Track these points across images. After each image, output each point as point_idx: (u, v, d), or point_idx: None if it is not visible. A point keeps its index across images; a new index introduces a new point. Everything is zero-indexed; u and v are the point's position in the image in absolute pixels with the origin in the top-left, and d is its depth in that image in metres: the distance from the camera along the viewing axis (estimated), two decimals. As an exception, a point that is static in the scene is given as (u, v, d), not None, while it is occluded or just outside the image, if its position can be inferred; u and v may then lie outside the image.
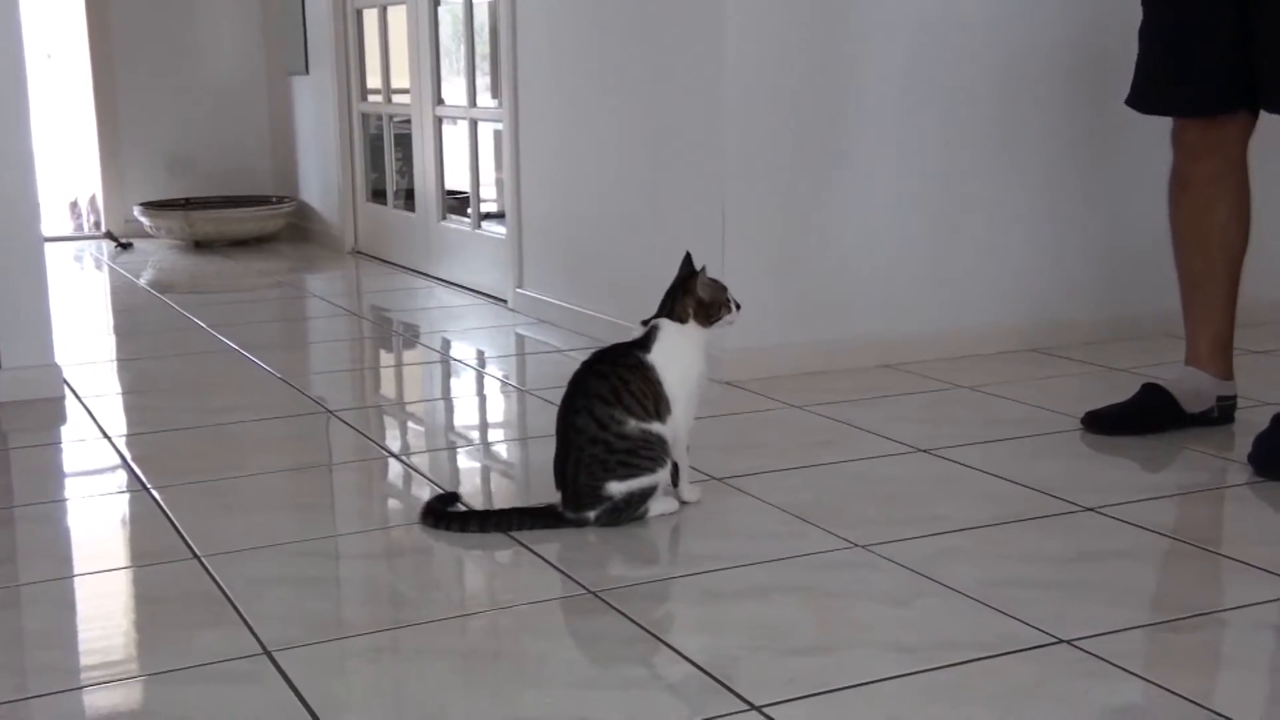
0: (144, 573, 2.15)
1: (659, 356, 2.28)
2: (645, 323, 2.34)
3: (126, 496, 2.50)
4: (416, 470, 2.69)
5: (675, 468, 2.34)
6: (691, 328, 2.32)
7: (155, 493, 2.50)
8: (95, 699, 1.69)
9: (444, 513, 2.27)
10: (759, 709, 1.61)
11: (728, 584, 2.02)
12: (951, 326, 3.54)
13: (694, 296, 2.32)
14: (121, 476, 2.62)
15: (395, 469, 2.71)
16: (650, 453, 2.24)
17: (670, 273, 2.37)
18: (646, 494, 2.25)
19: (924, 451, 2.68)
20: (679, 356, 2.30)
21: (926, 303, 3.52)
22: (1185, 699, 1.62)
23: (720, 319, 2.34)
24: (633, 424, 2.22)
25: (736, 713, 1.61)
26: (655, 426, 2.25)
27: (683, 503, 2.36)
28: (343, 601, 2.02)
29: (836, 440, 2.79)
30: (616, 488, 2.22)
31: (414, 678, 1.74)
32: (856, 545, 2.16)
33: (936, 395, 3.17)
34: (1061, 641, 1.79)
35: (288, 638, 1.83)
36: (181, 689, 1.70)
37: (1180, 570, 2.11)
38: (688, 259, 2.37)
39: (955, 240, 3.53)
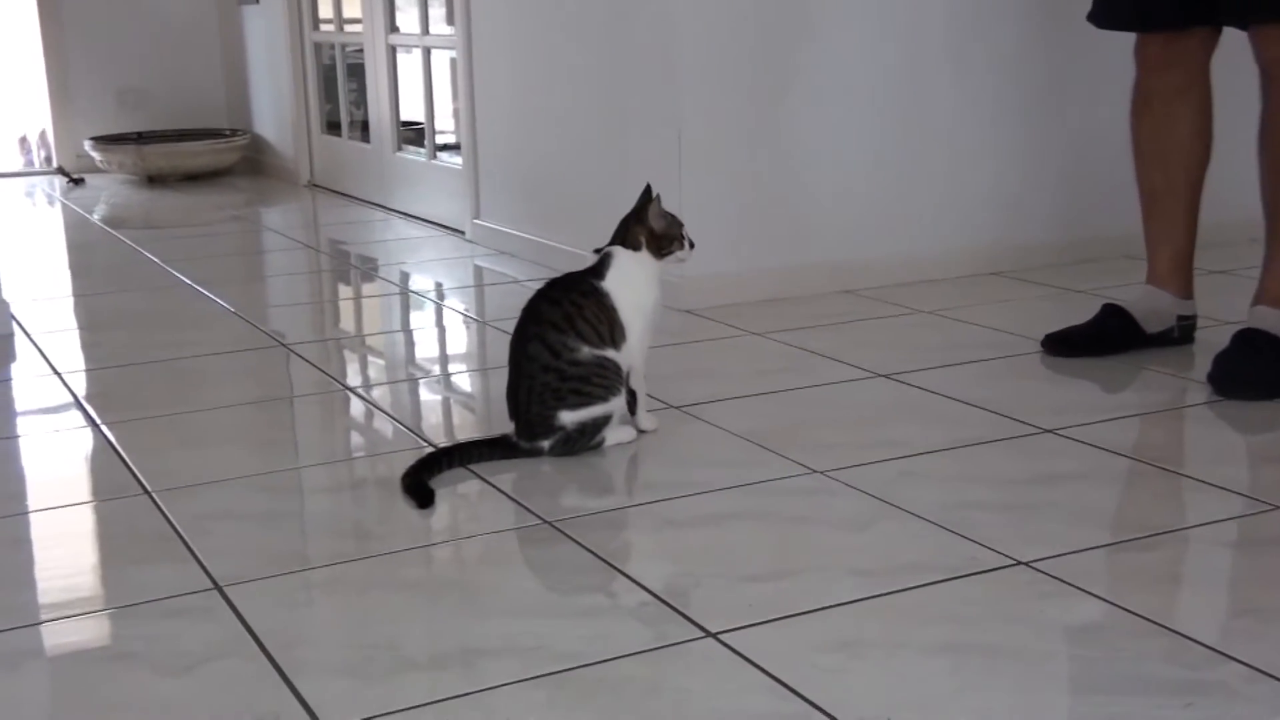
0: (92, 509, 2.12)
1: (613, 283, 2.25)
2: (598, 251, 2.31)
3: (76, 433, 2.46)
4: (374, 404, 2.65)
5: (633, 396, 2.32)
6: (644, 255, 2.29)
7: (105, 429, 2.46)
8: (42, 636, 1.66)
9: (423, 479, 2.12)
10: (715, 635, 1.60)
11: (684, 512, 2.00)
12: (912, 251, 3.52)
13: (646, 226, 2.29)
14: (71, 413, 2.58)
15: (353, 403, 2.68)
16: (604, 380, 2.21)
17: (627, 200, 2.34)
18: (600, 423, 2.23)
19: (884, 376, 2.67)
20: (633, 282, 2.27)
21: (887, 227, 3.49)
22: (1143, 617, 1.62)
23: (671, 253, 2.31)
24: (586, 350, 2.19)
25: (692, 640, 1.59)
26: (610, 353, 2.22)
27: (640, 431, 2.33)
28: (296, 535, 1.99)
29: (796, 367, 2.77)
30: (569, 417, 2.20)
31: (368, 610, 1.71)
32: (815, 471, 2.15)
33: (897, 320, 3.15)
34: (1020, 563, 1.78)
35: (239, 572, 1.81)
36: (129, 624, 1.68)
37: (1139, 490, 2.11)
38: (647, 189, 2.34)
39: (916, 163, 3.50)
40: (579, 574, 1.80)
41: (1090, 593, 1.69)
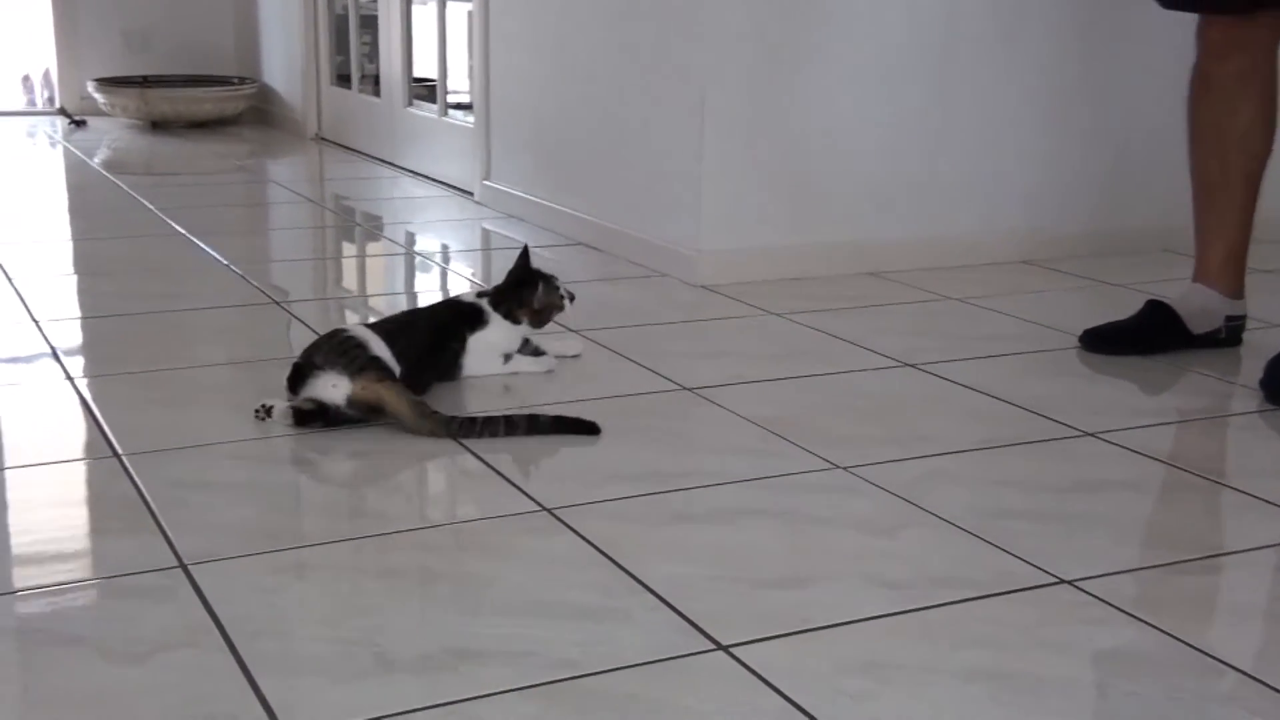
0: (56, 471, 1.95)
1: (477, 344, 2.35)
2: (482, 295, 2.40)
3: (47, 387, 2.30)
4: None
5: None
6: (514, 329, 2.39)
7: (80, 383, 2.30)
8: (-15, 613, 1.51)
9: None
10: (726, 649, 1.44)
11: (696, 505, 1.85)
12: (939, 234, 3.35)
13: (529, 309, 2.38)
14: (45, 364, 2.42)
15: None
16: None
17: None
18: None
19: (910, 366, 2.51)
20: (494, 349, 2.37)
21: (914, 207, 3.32)
22: (1203, 652, 1.46)
23: (550, 319, 2.43)
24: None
25: (702, 652, 1.44)
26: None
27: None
28: (274, 511, 1.83)
29: (816, 351, 2.61)
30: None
31: (347, 599, 1.56)
32: (837, 466, 1.99)
33: (923, 306, 2.98)
34: (1062, 581, 1.62)
35: (208, 549, 1.65)
36: (82, 603, 1.52)
37: (1187, 504, 1.94)
38: (524, 254, 2.42)
39: (947, 142, 3.33)
40: (579, 570, 1.64)
41: (1141, 619, 1.53)
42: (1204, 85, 2.54)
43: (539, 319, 2.41)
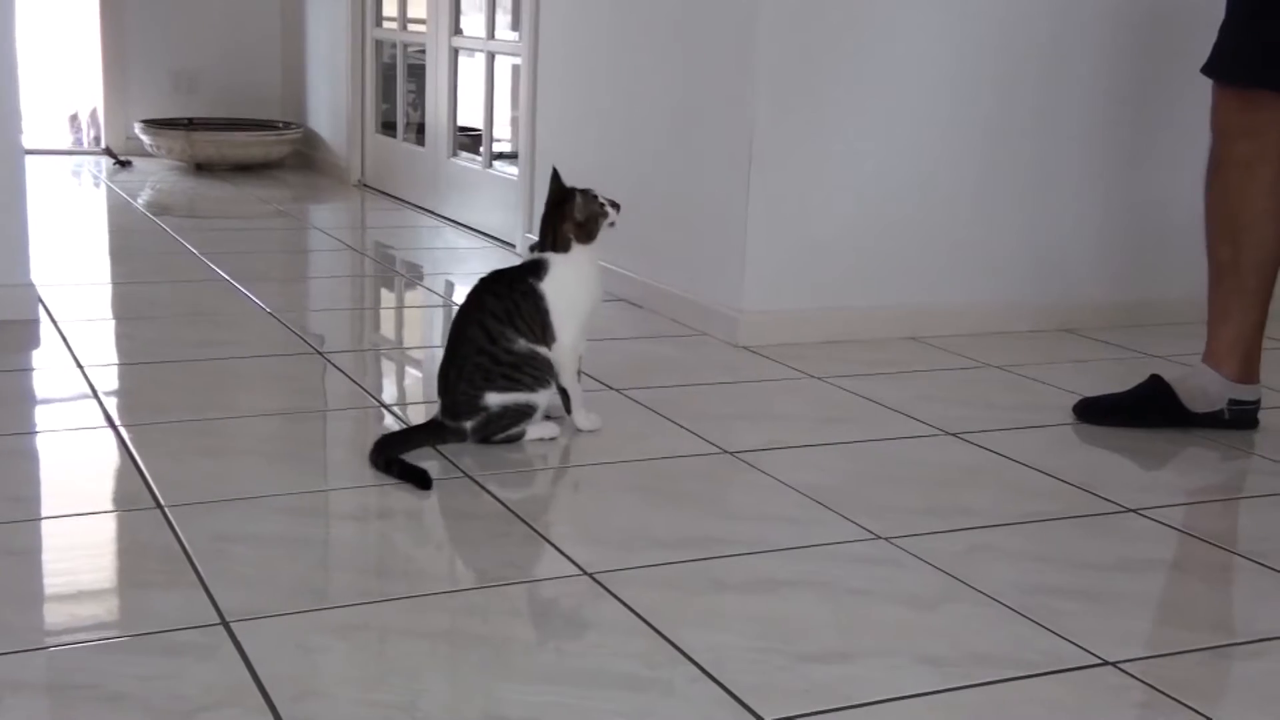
0: (98, 521, 1.96)
1: (550, 286, 2.30)
2: (533, 249, 2.39)
3: (92, 434, 2.31)
4: (410, 425, 2.50)
5: (566, 396, 2.37)
6: (576, 254, 2.33)
7: (123, 431, 2.32)
8: (29, 665, 1.51)
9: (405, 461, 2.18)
10: (769, 724, 1.43)
11: (737, 573, 1.84)
12: (982, 300, 3.34)
13: (570, 221, 2.33)
14: (89, 410, 2.43)
15: (388, 421, 2.52)
16: (534, 372, 2.28)
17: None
18: (523, 412, 2.29)
19: (952, 435, 2.50)
20: (568, 289, 2.32)
21: (958, 274, 3.32)
22: (1248, 741, 1.45)
23: (600, 229, 2.35)
24: (522, 343, 2.27)
25: (744, 727, 1.43)
26: (542, 350, 2.29)
27: (577, 429, 2.39)
28: (316, 568, 1.84)
29: (858, 417, 2.60)
30: (494, 399, 2.26)
31: (387, 661, 1.56)
32: (879, 537, 1.98)
33: (965, 374, 2.97)
34: (1107, 663, 1.61)
35: (250, 606, 1.65)
36: (121, 660, 1.52)
37: (1237, 586, 1.92)
38: (555, 175, 2.37)
39: (991, 208, 3.33)
40: (620, 637, 1.63)
41: (1190, 707, 1.51)
42: (1215, 168, 2.51)
43: (584, 232, 2.32)
